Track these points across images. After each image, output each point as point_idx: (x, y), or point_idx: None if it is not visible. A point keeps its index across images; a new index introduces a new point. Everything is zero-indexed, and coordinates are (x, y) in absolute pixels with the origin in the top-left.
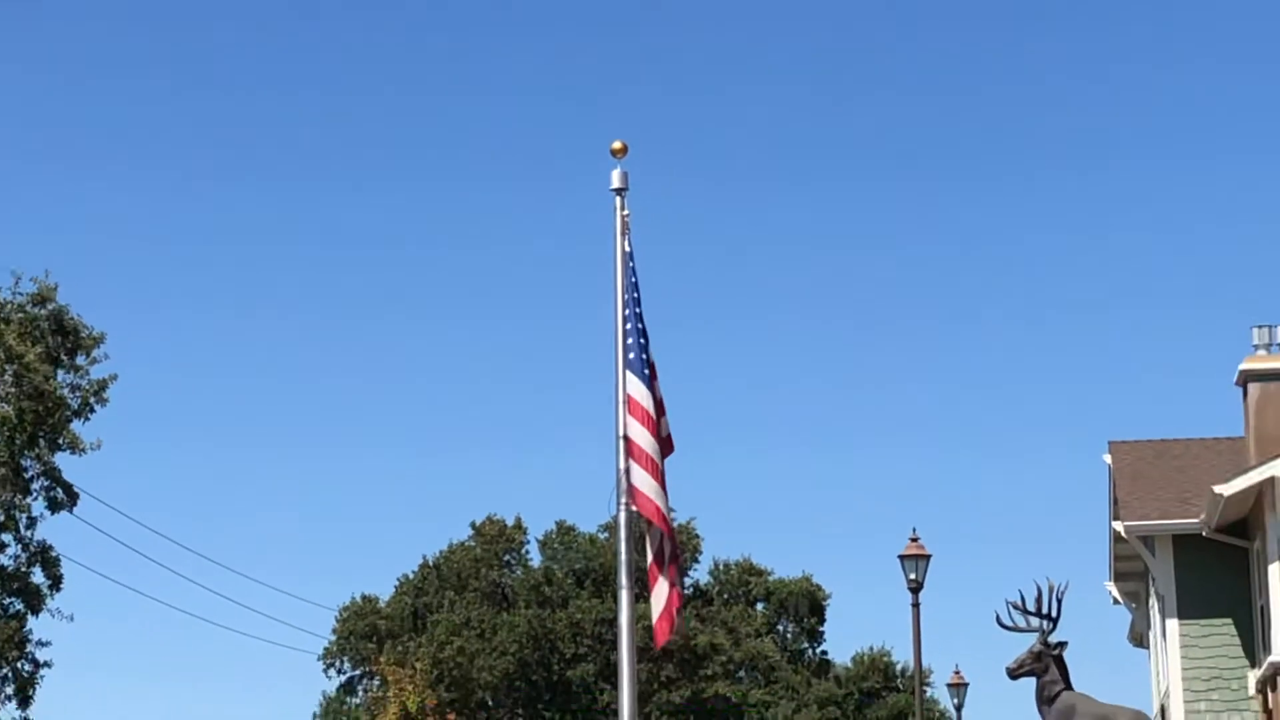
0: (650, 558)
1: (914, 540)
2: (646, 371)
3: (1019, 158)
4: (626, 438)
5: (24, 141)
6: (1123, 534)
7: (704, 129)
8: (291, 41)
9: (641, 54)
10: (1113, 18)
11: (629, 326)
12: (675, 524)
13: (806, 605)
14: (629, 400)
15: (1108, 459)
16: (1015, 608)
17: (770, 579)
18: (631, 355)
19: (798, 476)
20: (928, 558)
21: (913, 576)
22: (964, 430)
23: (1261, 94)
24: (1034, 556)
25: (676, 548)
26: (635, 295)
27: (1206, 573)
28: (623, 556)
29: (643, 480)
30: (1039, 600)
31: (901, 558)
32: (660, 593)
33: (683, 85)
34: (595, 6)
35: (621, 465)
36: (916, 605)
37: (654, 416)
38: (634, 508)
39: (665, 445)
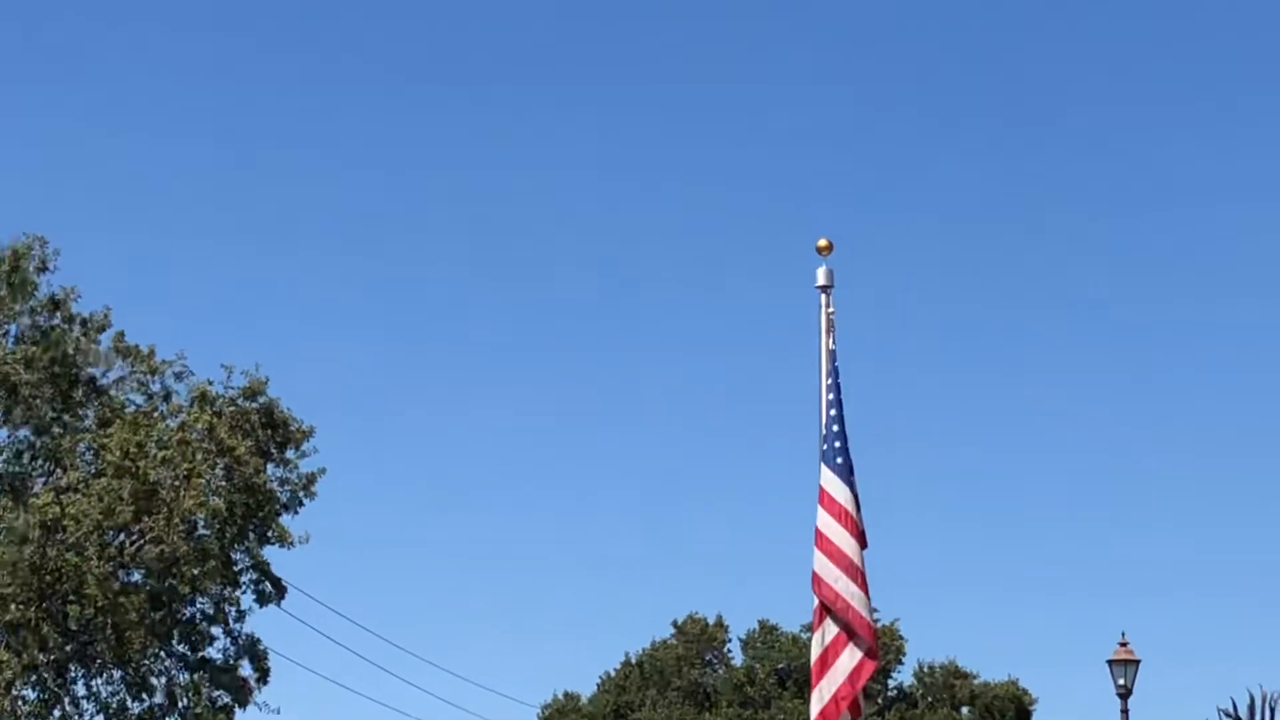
0: (816, 649)
1: (1123, 645)
2: (840, 461)
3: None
4: (816, 530)
5: (222, 228)
6: None
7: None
8: (495, 136)
9: (849, 150)
10: None
11: (826, 419)
12: (879, 624)
13: (1013, 710)
14: (821, 493)
15: None
16: (1227, 715)
17: (975, 682)
18: (825, 447)
19: (1006, 577)
20: (1137, 663)
21: (1121, 682)
22: (1176, 530)
23: None
24: (1248, 664)
25: (869, 631)
26: (837, 392)
27: None
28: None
29: (824, 567)
30: (1251, 708)
31: (1110, 662)
32: (829, 680)
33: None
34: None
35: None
36: (1125, 711)
37: (849, 511)
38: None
39: (861, 539)
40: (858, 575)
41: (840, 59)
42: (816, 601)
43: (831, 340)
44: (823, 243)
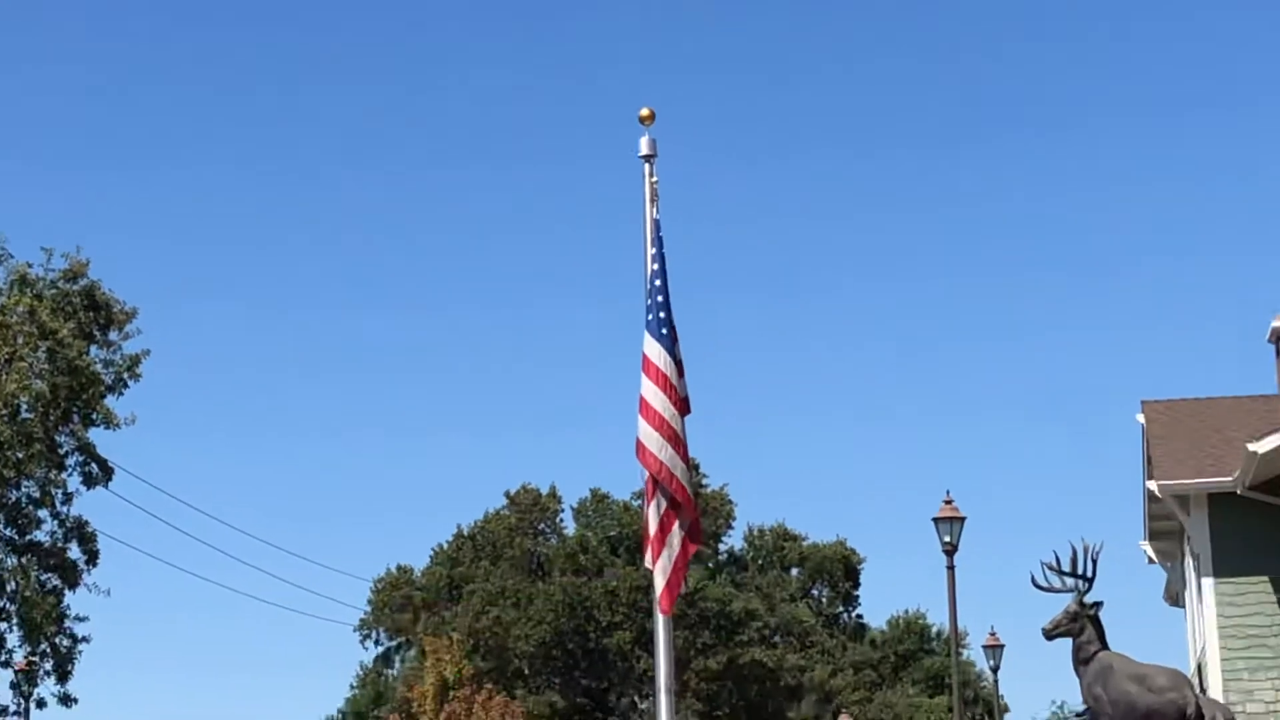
0: (653, 520)
1: (948, 503)
2: (664, 332)
3: (1048, 112)
4: (640, 398)
5: (56, 124)
6: (1157, 493)
7: (731, 96)
8: (306, 25)
9: (669, 21)
10: None
11: (650, 288)
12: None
13: (841, 570)
14: (644, 360)
15: (1141, 418)
16: (1050, 568)
17: (805, 544)
18: (650, 317)
19: (832, 441)
20: (962, 520)
21: (947, 539)
22: (996, 393)
23: None
24: (1068, 517)
25: (690, 503)
26: (661, 261)
27: (1241, 531)
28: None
29: (649, 436)
30: (1074, 561)
31: (935, 520)
32: (667, 555)
33: (710, 55)
34: None
35: None
36: (951, 568)
37: (669, 377)
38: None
39: (682, 406)
40: (680, 445)
41: None
42: (647, 473)
43: (655, 209)
44: (645, 112)
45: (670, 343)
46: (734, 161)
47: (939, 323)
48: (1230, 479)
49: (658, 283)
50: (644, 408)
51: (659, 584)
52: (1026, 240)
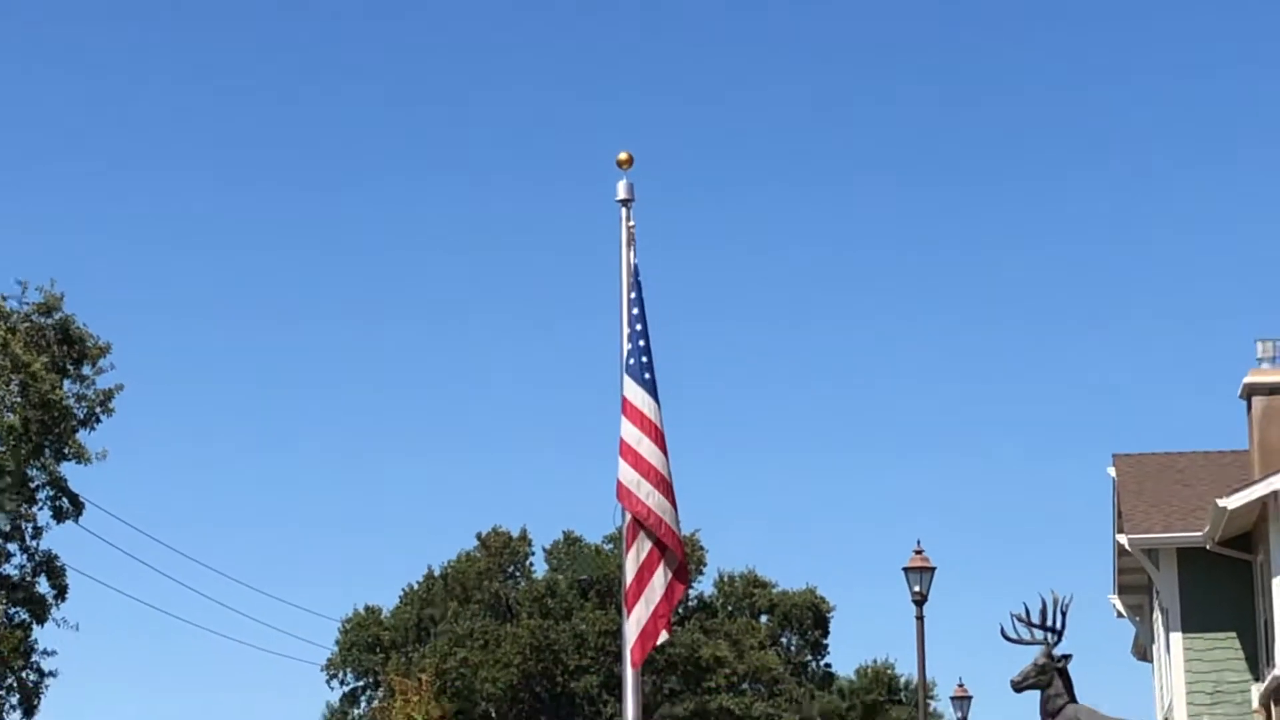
0: (631, 567)
1: (918, 553)
2: (647, 377)
3: (1024, 165)
4: (621, 441)
5: (29, 145)
6: (1126, 547)
7: (709, 138)
8: (292, 42)
9: (649, 61)
10: (1133, 23)
11: (630, 332)
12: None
13: (811, 617)
14: (624, 404)
15: (1112, 472)
16: (1019, 620)
17: (774, 591)
18: (631, 360)
19: (802, 488)
20: (932, 570)
21: (917, 589)
22: (969, 442)
23: (1265, 103)
24: (1038, 569)
25: (679, 545)
26: (641, 306)
27: (1210, 586)
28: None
29: (630, 479)
30: (1043, 613)
31: (906, 570)
32: (643, 605)
33: (689, 94)
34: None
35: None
36: (920, 618)
37: (655, 423)
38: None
39: (664, 453)
40: (667, 489)
41: None
42: (628, 517)
43: (633, 254)
44: (623, 156)
45: (652, 387)
46: (705, 196)
47: (914, 370)
48: (1200, 534)
49: (638, 327)
50: (625, 450)
51: (630, 636)
52: (1002, 290)
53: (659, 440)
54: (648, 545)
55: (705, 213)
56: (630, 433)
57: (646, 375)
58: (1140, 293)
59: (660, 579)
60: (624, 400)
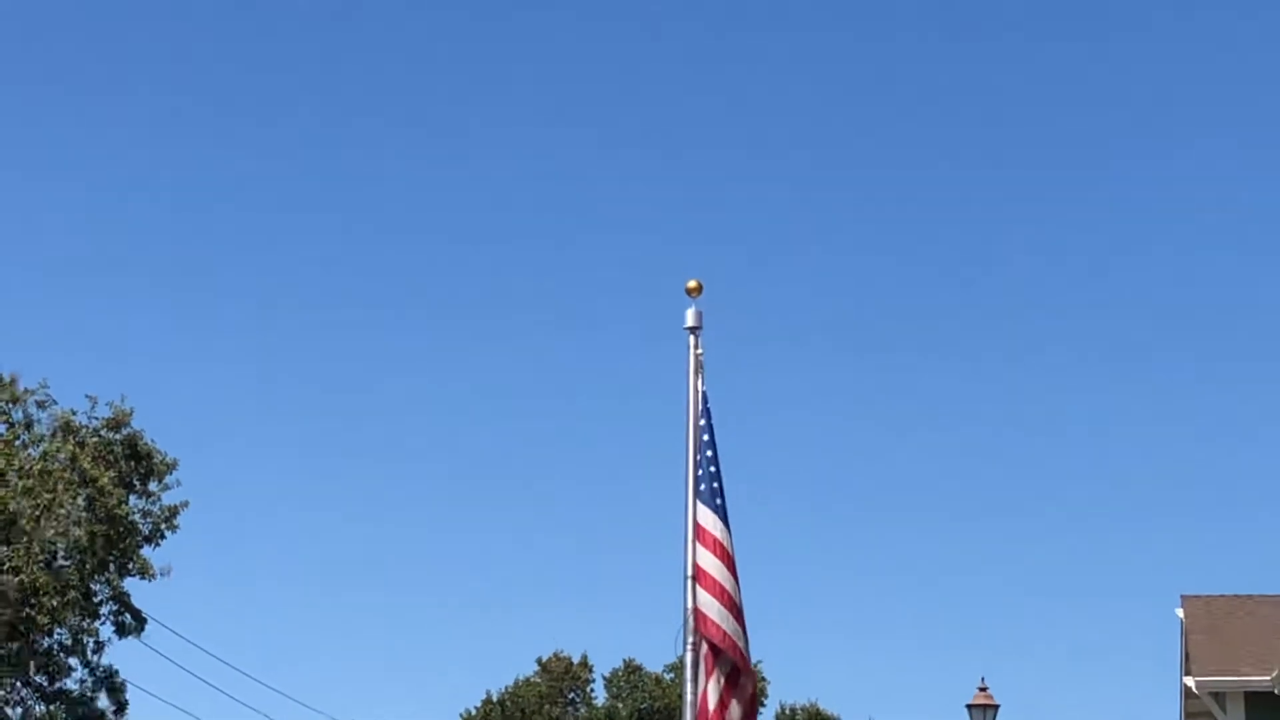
0: (713, 694)
1: (982, 690)
2: (719, 502)
3: (1100, 311)
4: (696, 567)
5: (94, 262)
6: (1194, 690)
7: (775, 282)
8: (345, 170)
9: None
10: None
11: (700, 459)
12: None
13: None
14: (698, 529)
15: (1180, 613)
16: None
17: None
18: (703, 487)
19: (867, 620)
20: (996, 707)
21: None
22: (1035, 579)
23: None
24: (1103, 711)
25: (751, 674)
26: (711, 433)
27: None
28: (688, 698)
29: (709, 605)
30: None
31: (969, 707)
32: None
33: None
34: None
35: (689, 604)
36: None
37: (727, 548)
38: (700, 637)
39: (737, 580)
40: (740, 617)
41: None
42: (705, 647)
43: (701, 381)
44: (692, 284)
45: (724, 512)
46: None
47: (978, 501)
48: (1269, 678)
49: (709, 453)
50: (702, 577)
51: None
52: (1069, 422)
53: (732, 567)
54: (724, 675)
55: (774, 351)
56: (707, 559)
57: (719, 501)
58: (1214, 430)
59: (736, 711)
60: (698, 527)
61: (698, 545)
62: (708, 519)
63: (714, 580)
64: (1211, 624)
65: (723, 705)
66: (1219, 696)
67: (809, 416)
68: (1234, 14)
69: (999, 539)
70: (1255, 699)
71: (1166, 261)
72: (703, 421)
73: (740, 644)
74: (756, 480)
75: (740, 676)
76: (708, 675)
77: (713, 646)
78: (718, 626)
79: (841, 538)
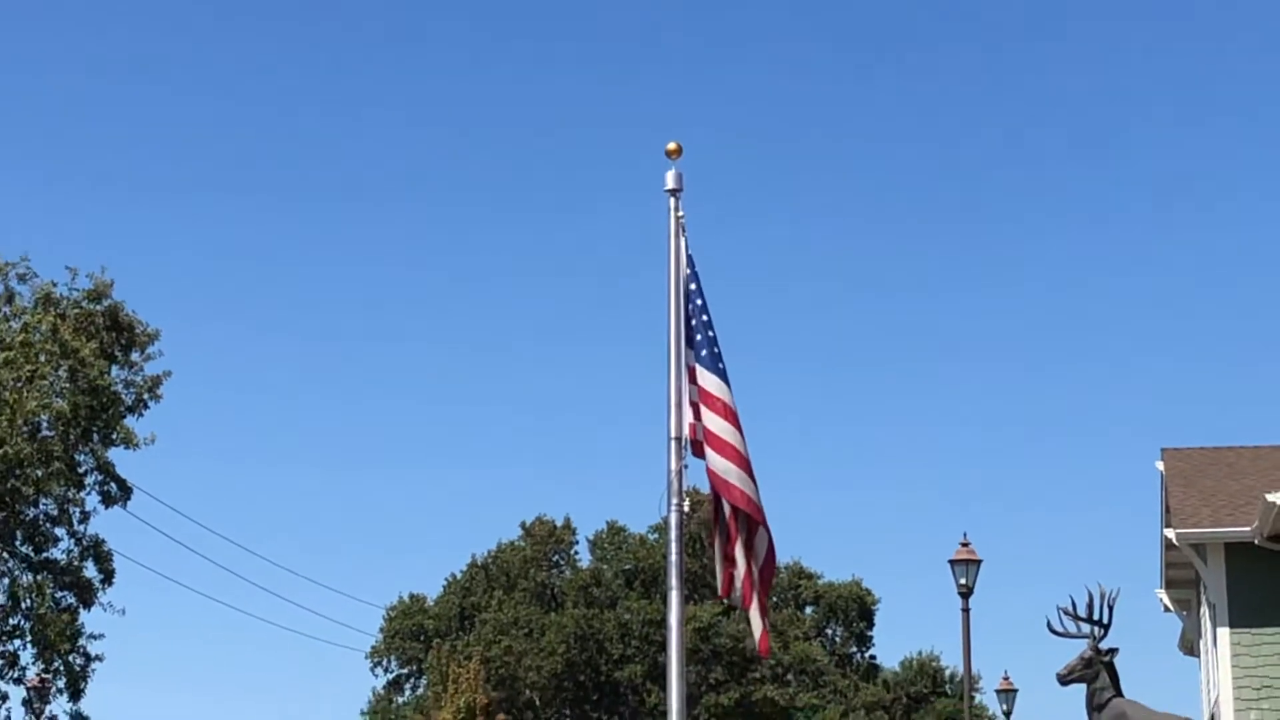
0: (743, 556)
1: (964, 545)
2: (720, 365)
3: (1077, 165)
4: (705, 431)
5: (82, 143)
6: (1174, 541)
7: (757, 130)
8: (330, 51)
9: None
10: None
11: (695, 323)
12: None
13: (856, 609)
14: (704, 395)
15: (1160, 466)
16: (1066, 614)
17: (819, 582)
18: (704, 352)
19: (848, 480)
20: (978, 563)
21: (963, 581)
22: (1016, 436)
23: None
24: (1085, 563)
25: (770, 539)
26: (700, 295)
27: (1258, 581)
28: (673, 558)
29: (728, 470)
30: (1090, 606)
31: (952, 562)
32: (758, 598)
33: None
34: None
35: (673, 466)
36: (966, 610)
37: (733, 409)
38: (720, 499)
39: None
40: (750, 473)
41: None
42: (727, 508)
43: (685, 243)
44: (672, 146)
45: (724, 373)
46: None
47: (958, 362)
48: (1249, 529)
49: (705, 317)
50: (714, 441)
51: (758, 627)
52: (1045, 280)
53: (738, 427)
54: (745, 534)
55: (754, 205)
56: (716, 423)
57: (720, 364)
58: (1192, 285)
59: (757, 568)
60: (703, 392)
61: (704, 409)
62: (711, 383)
63: (725, 443)
64: (1191, 476)
65: (750, 570)
66: (1199, 548)
67: (792, 279)
68: None
69: (981, 395)
70: (1235, 550)
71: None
72: (693, 286)
73: (757, 501)
74: (735, 339)
75: (756, 533)
76: (731, 540)
77: (734, 509)
78: (740, 490)
79: (823, 394)
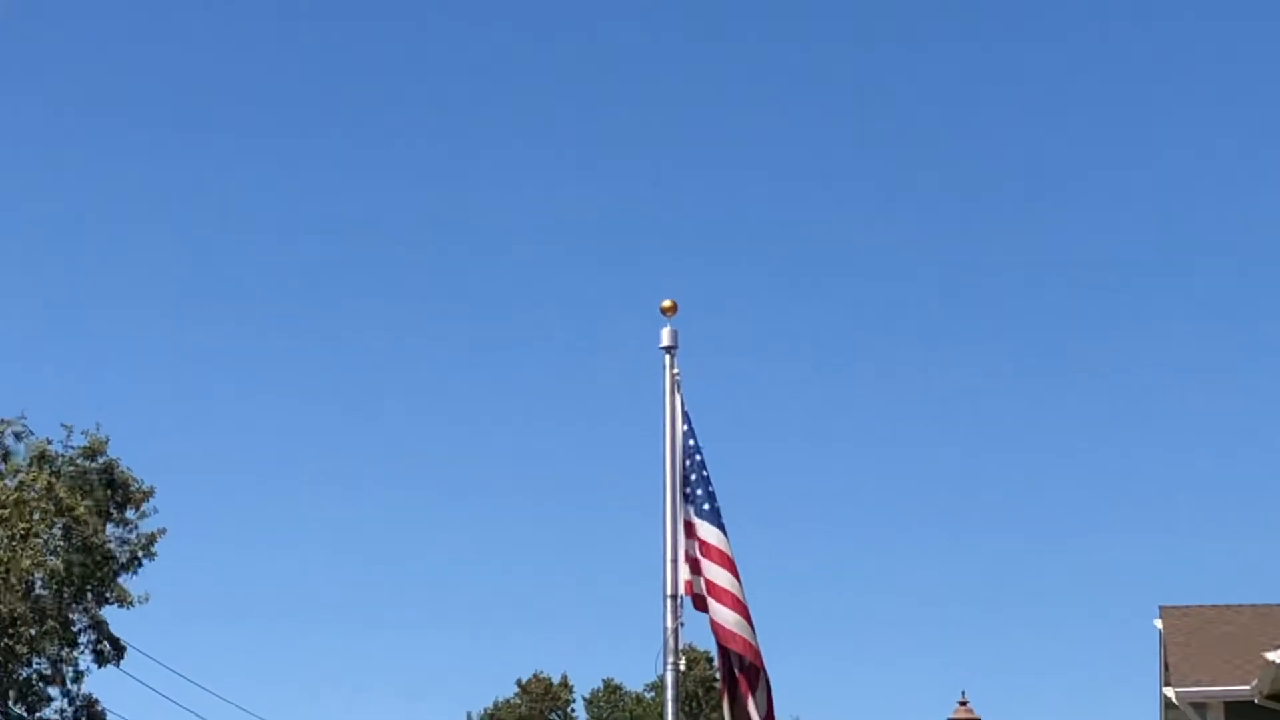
0: (755, 714)
1: (963, 704)
2: (719, 518)
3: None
4: (708, 582)
5: (81, 290)
6: (1174, 700)
7: (752, 298)
8: (325, 198)
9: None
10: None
11: (695, 477)
12: (717, 679)
13: None
14: (704, 546)
15: (1159, 624)
16: None
17: None
18: (706, 506)
19: (847, 634)
20: None
21: None
22: (1013, 593)
23: None
24: None
25: (769, 688)
26: (698, 451)
27: None
28: (669, 716)
29: (734, 621)
30: None
31: None
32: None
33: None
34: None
35: (669, 624)
36: None
37: (731, 559)
38: (726, 651)
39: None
40: (749, 619)
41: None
42: (745, 661)
43: (680, 400)
44: (667, 304)
45: (724, 527)
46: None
47: (955, 522)
48: (1248, 688)
49: (704, 473)
50: (716, 592)
51: None
52: (1048, 439)
53: (737, 577)
54: (754, 685)
55: (750, 368)
56: (717, 574)
57: (719, 518)
58: (1193, 446)
59: (760, 713)
60: (702, 543)
61: (705, 562)
62: (711, 534)
63: (729, 594)
64: (1190, 634)
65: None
66: (1199, 707)
67: (783, 430)
68: None
69: (979, 552)
70: (1235, 709)
71: (1154, 271)
72: (691, 442)
73: (757, 647)
74: (732, 493)
75: (759, 681)
76: (747, 692)
77: (741, 663)
78: (745, 641)
79: (820, 550)
